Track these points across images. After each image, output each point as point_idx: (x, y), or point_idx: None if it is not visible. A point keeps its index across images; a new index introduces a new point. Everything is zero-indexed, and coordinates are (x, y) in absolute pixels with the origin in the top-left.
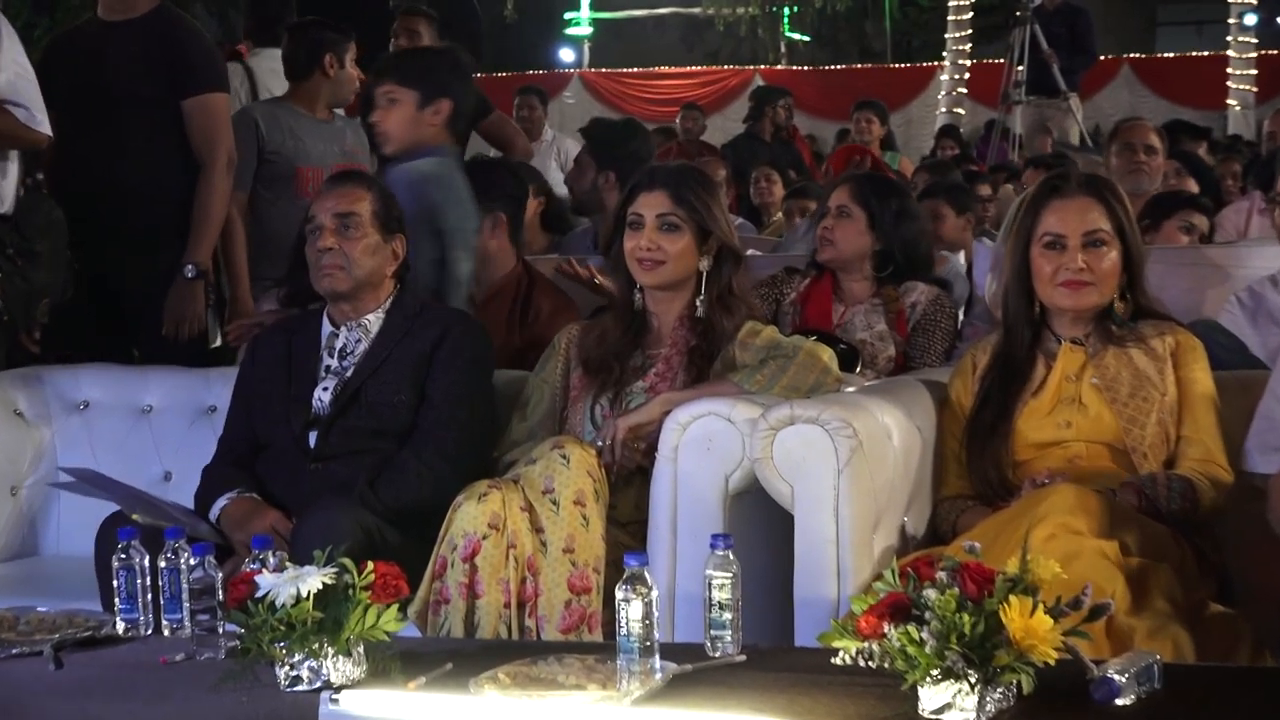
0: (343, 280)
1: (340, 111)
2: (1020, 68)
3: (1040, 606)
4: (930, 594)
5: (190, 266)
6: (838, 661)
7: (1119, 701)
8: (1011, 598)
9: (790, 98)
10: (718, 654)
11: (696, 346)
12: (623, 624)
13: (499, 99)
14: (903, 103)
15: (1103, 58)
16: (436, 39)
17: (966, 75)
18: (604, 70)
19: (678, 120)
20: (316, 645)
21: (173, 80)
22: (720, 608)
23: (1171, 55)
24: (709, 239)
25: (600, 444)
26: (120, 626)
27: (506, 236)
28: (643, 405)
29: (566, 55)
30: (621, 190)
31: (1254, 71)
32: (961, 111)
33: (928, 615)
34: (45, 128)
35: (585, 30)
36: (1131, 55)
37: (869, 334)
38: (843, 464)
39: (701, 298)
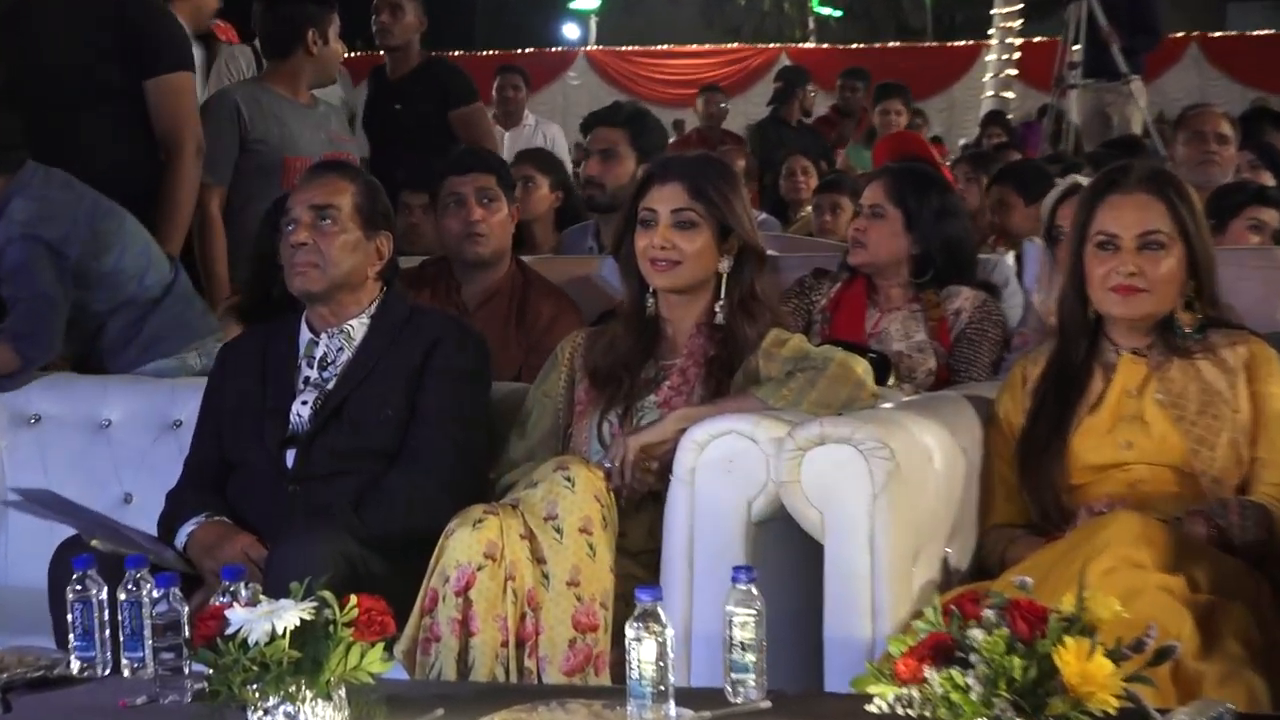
0: (316, 279)
1: (319, 93)
2: (1076, 47)
3: (1099, 649)
4: (976, 634)
5: None
6: (872, 709)
7: None
8: (1067, 639)
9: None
10: (739, 700)
11: (715, 356)
12: (634, 666)
13: (489, 82)
14: (944, 86)
15: (1169, 36)
16: (420, 14)
17: (1016, 55)
18: (613, 48)
19: (698, 104)
20: (293, 688)
21: (132, 60)
22: (742, 648)
23: (1244, 33)
24: (729, 237)
25: (608, 465)
26: (75, 666)
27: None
28: (656, 422)
29: (571, 31)
30: None
31: None
32: (1010, 96)
33: (973, 658)
34: None
35: (593, 3)
36: (1200, 33)
37: (906, 344)
38: (878, 488)
39: (721, 302)
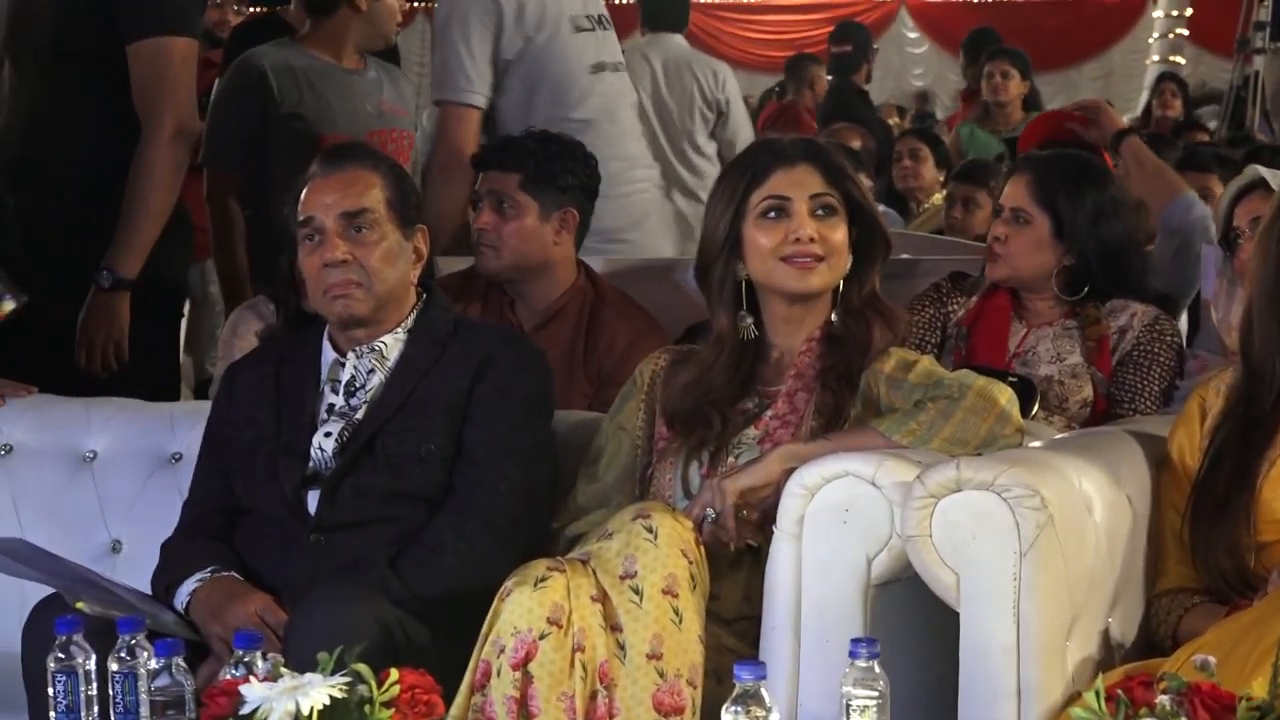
0: (362, 301)
1: (373, 57)
2: (1265, 3)
3: None
4: None
5: (107, 273)
6: None
7: None
8: None
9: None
10: None
11: (831, 367)
12: None
13: None
14: (1099, 49)
15: None
16: None
17: (1188, 11)
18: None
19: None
20: None
21: (113, 19)
22: None
23: None
24: (852, 228)
25: (707, 515)
26: None
27: (573, 240)
28: (756, 461)
29: None
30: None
31: None
32: (1180, 60)
33: None
34: None
35: None
36: None
37: (1058, 367)
38: (1026, 545)
39: (839, 308)
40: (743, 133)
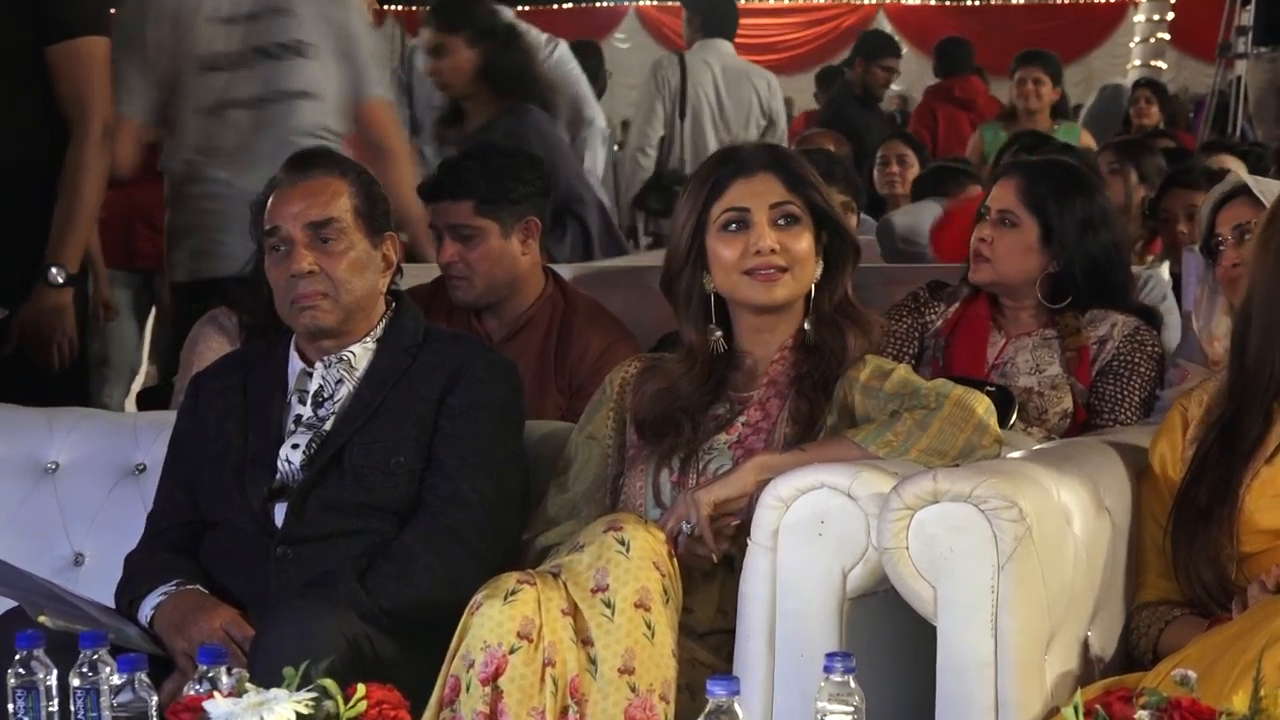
0: (329, 313)
1: None
2: (1247, 7)
3: None
4: None
5: (56, 269)
6: None
7: None
8: None
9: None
10: None
11: (805, 375)
12: None
13: None
14: (1080, 53)
15: None
16: None
17: (1169, 15)
18: (669, 2)
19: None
20: None
21: (35, 20)
22: None
23: None
24: (820, 234)
25: (682, 529)
26: None
27: (538, 245)
28: (730, 472)
29: None
30: None
31: None
32: (1162, 65)
33: None
34: None
35: None
36: None
37: (1037, 379)
38: (1004, 558)
39: (810, 317)
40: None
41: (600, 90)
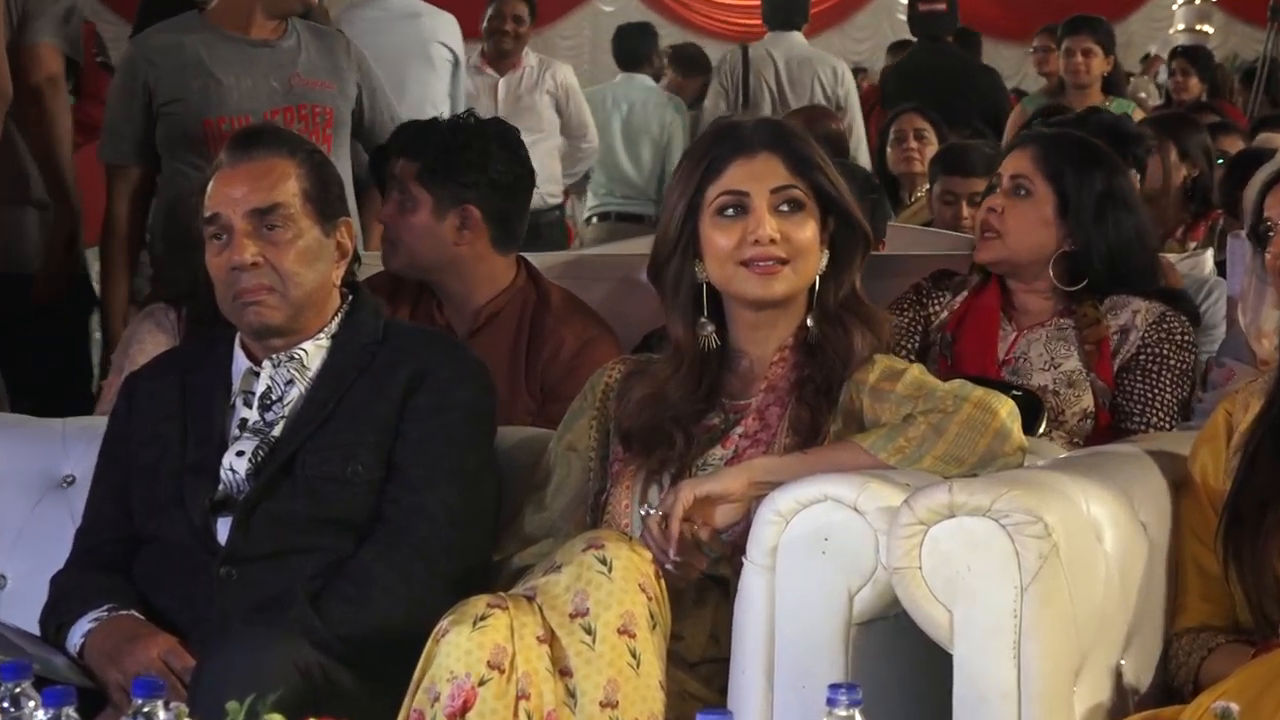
0: (276, 309)
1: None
2: None
3: None
4: None
5: None
6: None
7: None
8: None
9: None
10: None
11: (807, 378)
12: None
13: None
14: (1118, 15)
15: None
16: None
17: None
18: None
19: None
20: None
21: None
22: None
23: None
24: (827, 221)
25: (648, 510)
26: None
27: (487, 239)
28: (723, 470)
29: None
30: None
31: None
32: (1207, 30)
33: None
34: None
35: None
36: None
37: (1053, 375)
38: (1028, 578)
39: (813, 313)
40: (857, 127)
41: (656, 75)
